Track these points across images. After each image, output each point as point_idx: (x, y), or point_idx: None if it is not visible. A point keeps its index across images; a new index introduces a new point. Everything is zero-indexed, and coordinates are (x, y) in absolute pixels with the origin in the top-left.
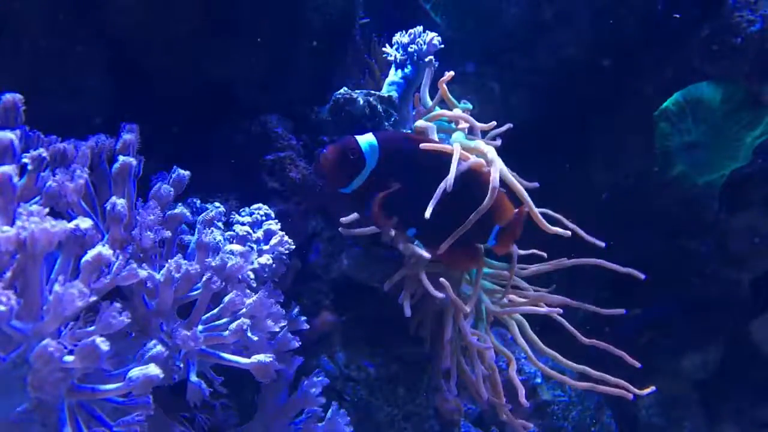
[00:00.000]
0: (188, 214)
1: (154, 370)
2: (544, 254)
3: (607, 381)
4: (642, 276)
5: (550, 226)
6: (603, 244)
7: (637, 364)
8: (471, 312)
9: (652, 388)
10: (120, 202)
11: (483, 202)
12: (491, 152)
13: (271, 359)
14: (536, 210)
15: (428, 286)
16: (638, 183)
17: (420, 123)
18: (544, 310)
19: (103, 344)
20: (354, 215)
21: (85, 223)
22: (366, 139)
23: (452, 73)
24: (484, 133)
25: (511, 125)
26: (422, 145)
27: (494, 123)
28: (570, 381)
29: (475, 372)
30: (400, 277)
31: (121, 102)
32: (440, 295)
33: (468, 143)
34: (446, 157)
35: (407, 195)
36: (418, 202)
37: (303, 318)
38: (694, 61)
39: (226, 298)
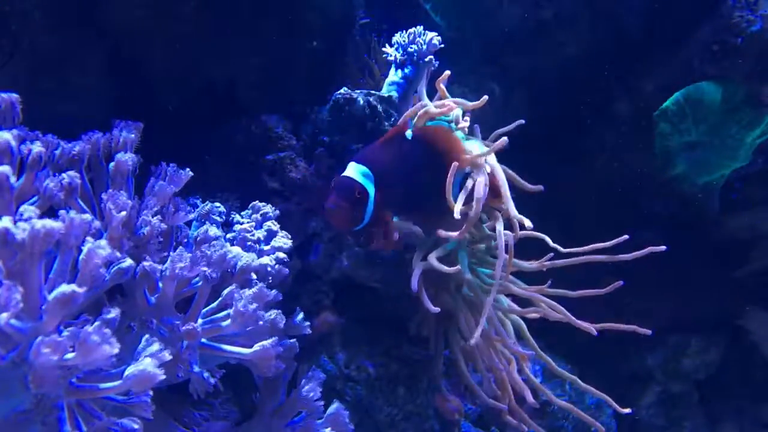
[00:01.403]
0: (188, 210)
1: (150, 367)
2: (544, 266)
3: (592, 393)
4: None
5: (516, 213)
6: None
7: (648, 332)
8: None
9: (628, 410)
10: (118, 200)
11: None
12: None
13: (272, 343)
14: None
15: (428, 304)
16: (638, 183)
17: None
18: (558, 315)
19: (105, 341)
20: None
21: (83, 221)
22: (358, 171)
23: (448, 72)
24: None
25: (522, 121)
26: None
27: (486, 97)
28: (553, 398)
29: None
30: (420, 271)
31: (121, 102)
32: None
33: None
34: (423, 146)
35: (398, 192)
36: (404, 193)
37: (306, 323)
38: (694, 61)
39: (225, 292)
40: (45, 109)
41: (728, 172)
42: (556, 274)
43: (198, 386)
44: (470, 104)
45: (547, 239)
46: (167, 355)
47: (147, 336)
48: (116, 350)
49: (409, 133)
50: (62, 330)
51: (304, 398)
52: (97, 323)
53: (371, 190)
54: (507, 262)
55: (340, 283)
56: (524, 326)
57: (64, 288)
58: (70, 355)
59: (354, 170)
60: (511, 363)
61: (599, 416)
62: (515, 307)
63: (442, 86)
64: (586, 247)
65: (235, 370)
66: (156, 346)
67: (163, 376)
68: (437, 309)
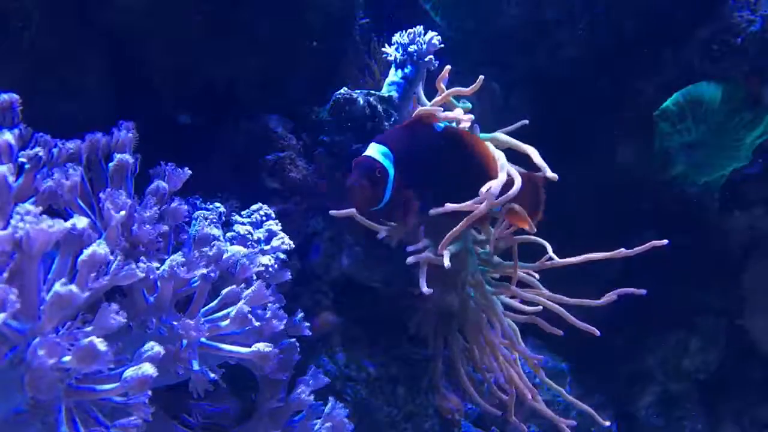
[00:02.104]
0: (187, 210)
1: (149, 369)
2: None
3: (578, 406)
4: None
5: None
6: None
7: (643, 291)
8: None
9: (607, 423)
10: (117, 200)
11: (469, 159)
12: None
13: (270, 348)
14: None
15: (423, 281)
16: (638, 183)
17: (422, 109)
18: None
19: (101, 345)
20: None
21: (81, 222)
22: (378, 151)
23: (449, 67)
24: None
25: (526, 122)
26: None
27: (482, 77)
28: (544, 408)
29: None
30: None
31: (121, 102)
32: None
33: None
34: (440, 135)
35: (417, 177)
36: (425, 179)
37: (306, 324)
38: (694, 61)
39: (224, 291)
40: (45, 109)
41: (728, 172)
42: (556, 274)
43: (198, 385)
44: (466, 90)
45: (548, 246)
46: (169, 357)
47: (149, 334)
48: (109, 357)
49: (440, 125)
50: (60, 330)
51: (301, 399)
52: (91, 328)
53: (391, 169)
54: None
55: (340, 283)
56: (517, 330)
57: (63, 289)
58: (66, 358)
59: (374, 150)
60: (511, 364)
61: (599, 416)
62: (515, 303)
63: (442, 85)
64: (581, 257)
65: (236, 369)
66: (156, 349)
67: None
68: (430, 290)
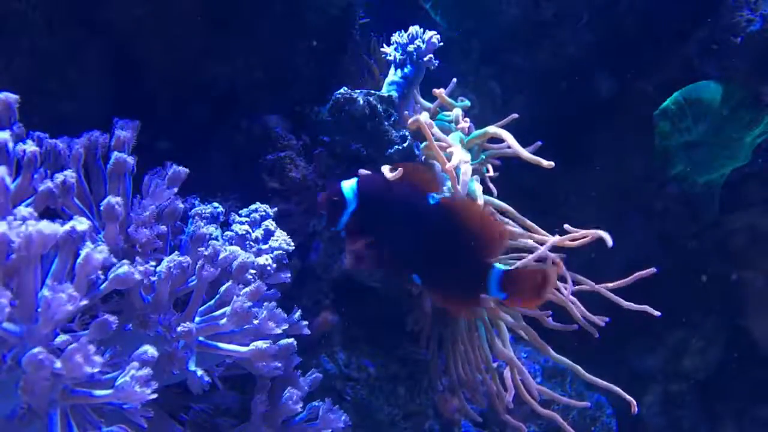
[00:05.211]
0: (185, 209)
1: (139, 385)
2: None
3: (598, 384)
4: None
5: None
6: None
7: (657, 313)
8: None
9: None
10: (115, 200)
11: (472, 234)
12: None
13: (268, 346)
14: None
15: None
16: (638, 183)
17: (421, 119)
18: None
19: (94, 353)
20: None
21: (81, 224)
22: (350, 183)
23: (442, 90)
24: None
25: (516, 115)
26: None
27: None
28: (536, 407)
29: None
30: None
31: (121, 102)
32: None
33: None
34: (421, 199)
35: (395, 239)
36: (406, 246)
37: (305, 323)
38: (694, 60)
39: (222, 288)
40: (45, 110)
41: (728, 171)
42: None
43: (195, 385)
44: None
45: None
46: (161, 355)
47: (147, 334)
48: (98, 369)
49: (434, 197)
50: (58, 333)
51: (289, 406)
52: (84, 338)
53: (350, 204)
54: None
55: (340, 282)
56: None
57: (60, 293)
58: (59, 364)
59: (349, 182)
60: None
61: (599, 416)
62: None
63: (440, 92)
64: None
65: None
66: (151, 351)
67: (154, 396)
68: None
